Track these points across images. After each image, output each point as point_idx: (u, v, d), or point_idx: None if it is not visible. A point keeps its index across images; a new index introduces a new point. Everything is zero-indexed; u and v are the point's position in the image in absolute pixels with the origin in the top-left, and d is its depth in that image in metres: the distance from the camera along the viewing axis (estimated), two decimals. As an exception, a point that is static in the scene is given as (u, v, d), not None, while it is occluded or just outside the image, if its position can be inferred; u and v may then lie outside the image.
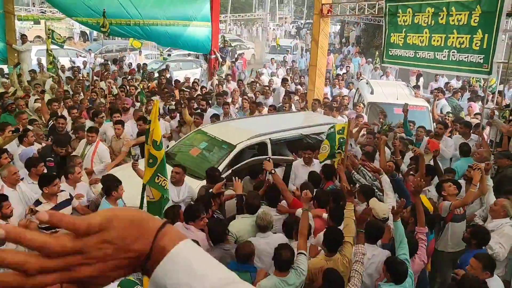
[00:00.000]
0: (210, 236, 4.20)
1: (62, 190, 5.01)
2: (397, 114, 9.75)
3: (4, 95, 9.35)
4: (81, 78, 12.69)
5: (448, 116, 9.18)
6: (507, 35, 7.63)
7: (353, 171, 5.77)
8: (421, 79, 15.03)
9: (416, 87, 12.30)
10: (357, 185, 5.53)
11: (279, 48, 18.25)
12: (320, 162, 6.20)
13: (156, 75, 14.52)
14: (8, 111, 8.58)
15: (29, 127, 7.43)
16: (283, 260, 3.69)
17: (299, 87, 12.67)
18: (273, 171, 5.42)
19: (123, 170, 6.55)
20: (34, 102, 9.43)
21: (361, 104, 10.11)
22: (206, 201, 4.75)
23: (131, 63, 17.90)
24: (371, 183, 5.55)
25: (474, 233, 4.49)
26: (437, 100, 10.31)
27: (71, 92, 10.54)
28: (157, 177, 4.12)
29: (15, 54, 12.74)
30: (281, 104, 10.81)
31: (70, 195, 5.12)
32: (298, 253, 3.82)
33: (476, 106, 10.55)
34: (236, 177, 5.64)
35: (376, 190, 5.29)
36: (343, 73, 15.99)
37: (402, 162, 6.41)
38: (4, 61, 12.74)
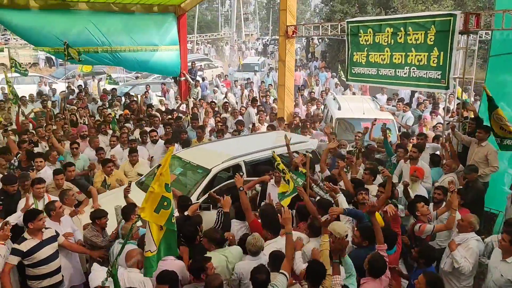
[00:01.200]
0: (190, 270, 4.21)
1: (48, 228, 5.01)
2: (365, 128, 10.17)
3: None
4: (49, 107, 12.55)
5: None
6: (462, 52, 8.08)
7: (313, 184, 5.98)
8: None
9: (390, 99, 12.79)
10: (316, 198, 5.78)
11: (243, 70, 18.68)
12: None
13: (123, 99, 14.50)
14: None
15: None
16: (258, 283, 3.85)
17: (274, 105, 12.92)
18: (241, 188, 5.61)
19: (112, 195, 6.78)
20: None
21: (330, 124, 10.33)
22: (187, 232, 4.85)
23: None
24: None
25: (422, 252, 4.64)
26: (404, 112, 10.78)
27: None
28: (173, 217, 4.14)
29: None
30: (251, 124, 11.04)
31: (56, 231, 5.10)
32: (280, 272, 3.96)
33: (429, 118, 11.08)
34: (224, 194, 5.78)
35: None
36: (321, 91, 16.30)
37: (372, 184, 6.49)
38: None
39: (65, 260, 5.23)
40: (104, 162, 7.54)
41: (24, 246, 4.75)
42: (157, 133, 9.26)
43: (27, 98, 12.99)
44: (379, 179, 6.71)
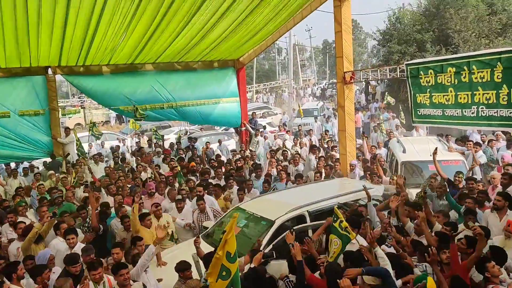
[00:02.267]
0: None
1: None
2: (432, 170, 9.70)
3: (52, 190, 9.86)
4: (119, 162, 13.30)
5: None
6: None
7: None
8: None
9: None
10: None
11: (302, 116, 18.73)
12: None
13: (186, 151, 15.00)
14: (55, 204, 9.03)
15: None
16: None
17: (333, 153, 12.80)
18: (291, 245, 5.34)
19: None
20: (83, 192, 9.91)
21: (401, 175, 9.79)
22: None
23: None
24: None
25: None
26: (475, 152, 10.19)
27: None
28: None
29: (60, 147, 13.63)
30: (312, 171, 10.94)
31: (144, 284, 5.48)
32: None
33: (509, 156, 10.33)
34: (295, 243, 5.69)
35: None
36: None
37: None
38: (49, 153, 13.60)
39: None
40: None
41: None
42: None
43: (98, 156, 13.89)
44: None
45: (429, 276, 4.40)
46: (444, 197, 7.67)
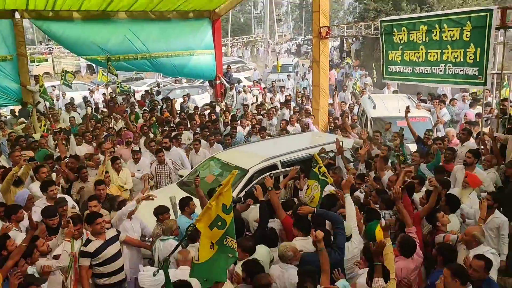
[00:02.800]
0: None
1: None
2: (400, 126, 10.13)
3: (20, 138, 9.73)
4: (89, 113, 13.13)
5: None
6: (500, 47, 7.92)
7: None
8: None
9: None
10: None
11: (279, 71, 18.62)
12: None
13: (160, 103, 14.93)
14: (32, 149, 9.00)
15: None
16: None
17: (308, 107, 13.04)
18: (270, 188, 5.63)
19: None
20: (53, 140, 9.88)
21: (366, 130, 10.14)
22: None
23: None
24: None
25: (441, 249, 4.60)
26: (440, 110, 10.66)
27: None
28: (225, 238, 3.98)
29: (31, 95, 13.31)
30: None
31: (117, 230, 5.51)
32: None
33: (472, 114, 10.85)
34: (256, 185, 5.95)
35: None
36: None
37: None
38: (19, 101, 13.30)
39: (129, 254, 5.71)
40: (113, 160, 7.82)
41: (90, 248, 5.10)
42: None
43: (70, 106, 13.69)
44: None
45: (378, 224, 4.80)
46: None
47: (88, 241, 5.16)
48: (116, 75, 13.21)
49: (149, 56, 14.44)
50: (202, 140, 9.45)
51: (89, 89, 20.22)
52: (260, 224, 5.48)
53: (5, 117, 13.70)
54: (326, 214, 5.06)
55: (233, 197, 5.83)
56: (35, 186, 6.80)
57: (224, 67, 16.71)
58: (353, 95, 16.05)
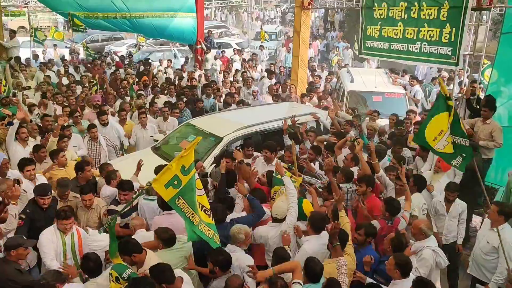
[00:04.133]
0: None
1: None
2: (376, 102, 10.35)
3: None
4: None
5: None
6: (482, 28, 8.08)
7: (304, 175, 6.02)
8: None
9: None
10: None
11: (263, 41, 18.31)
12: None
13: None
14: (2, 104, 8.88)
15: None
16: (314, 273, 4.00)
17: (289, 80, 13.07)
18: (241, 162, 5.82)
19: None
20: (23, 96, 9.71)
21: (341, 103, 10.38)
22: None
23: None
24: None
25: (361, 227, 4.75)
26: (412, 86, 10.90)
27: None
28: (178, 198, 4.13)
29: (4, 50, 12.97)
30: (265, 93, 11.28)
31: None
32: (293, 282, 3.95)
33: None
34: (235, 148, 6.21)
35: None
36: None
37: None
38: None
39: None
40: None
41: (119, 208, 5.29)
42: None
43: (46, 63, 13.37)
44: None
45: (305, 199, 5.16)
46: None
47: (116, 203, 5.54)
48: (83, 30, 12.84)
49: (129, 16, 14.14)
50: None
51: (66, 47, 19.64)
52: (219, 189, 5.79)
53: None
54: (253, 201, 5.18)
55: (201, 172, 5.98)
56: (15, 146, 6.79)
57: (206, 31, 16.48)
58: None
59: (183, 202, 4.12)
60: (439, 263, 4.68)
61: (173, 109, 9.17)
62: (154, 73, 13.14)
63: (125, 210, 4.63)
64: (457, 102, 8.08)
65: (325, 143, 7.32)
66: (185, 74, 13.55)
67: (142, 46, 20.68)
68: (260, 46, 19.04)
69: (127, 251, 4.16)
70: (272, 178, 5.63)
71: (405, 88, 11.29)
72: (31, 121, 7.80)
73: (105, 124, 8.04)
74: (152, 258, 4.19)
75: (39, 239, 4.70)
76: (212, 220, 4.36)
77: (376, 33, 9.15)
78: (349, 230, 4.56)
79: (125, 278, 3.71)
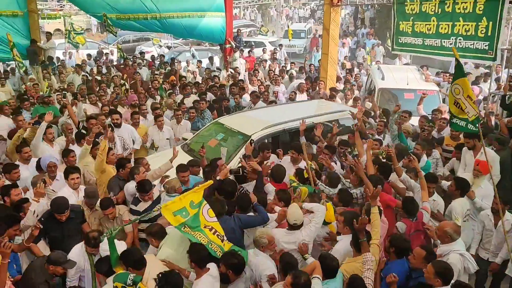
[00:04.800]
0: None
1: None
2: (407, 99, 10.08)
3: (24, 95, 9.86)
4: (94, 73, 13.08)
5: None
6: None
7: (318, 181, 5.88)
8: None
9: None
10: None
11: (291, 39, 18.11)
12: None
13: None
14: (44, 103, 9.24)
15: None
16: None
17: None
18: (248, 155, 5.91)
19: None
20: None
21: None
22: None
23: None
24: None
25: (393, 240, 4.40)
26: (447, 82, 10.55)
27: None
28: (184, 226, 4.32)
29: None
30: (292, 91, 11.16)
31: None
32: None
33: (478, 89, 10.69)
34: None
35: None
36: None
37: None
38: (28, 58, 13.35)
39: None
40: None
41: (140, 207, 5.45)
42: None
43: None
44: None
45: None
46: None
47: (137, 201, 5.54)
48: (115, 33, 13.09)
49: (159, 16, 14.32)
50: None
51: (98, 48, 20.16)
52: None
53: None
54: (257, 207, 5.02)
55: (231, 168, 6.01)
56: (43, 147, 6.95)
57: (235, 30, 16.51)
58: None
59: (189, 229, 4.34)
60: (467, 268, 4.39)
61: (191, 108, 9.13)
62: (182, 73, 13.31)
63: (144, 217, 4.81)
64: (494, 98, 7.80)
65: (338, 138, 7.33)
66: (216, 73, 13.68)
67: (161, 46, 20.98)
68: (279, 45, 18.95)
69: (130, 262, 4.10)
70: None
71: (439, 85, 10.96)
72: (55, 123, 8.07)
73: (118, 125, 7.72)
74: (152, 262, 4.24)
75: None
76: (223, 245, 4.42)
77: (408, 28, 8.93)
78: (379, 228, 4.46)
79: (131, 284, 3.74)
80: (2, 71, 13.51)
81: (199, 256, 4.05)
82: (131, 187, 5.84)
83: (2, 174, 5.99)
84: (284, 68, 14.52)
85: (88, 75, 12.75)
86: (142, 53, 18.09)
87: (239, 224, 4.73)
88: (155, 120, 8.32)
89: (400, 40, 9.33)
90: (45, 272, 4.29)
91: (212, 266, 4.10)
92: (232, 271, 4.04)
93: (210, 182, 4.73)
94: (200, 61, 16.13)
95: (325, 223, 4.86)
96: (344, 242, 4.58)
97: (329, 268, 3.96)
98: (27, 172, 6.22)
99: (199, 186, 4.55)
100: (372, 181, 5.10)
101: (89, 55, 16.90)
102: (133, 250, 4.29)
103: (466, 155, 6.48)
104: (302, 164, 6.25)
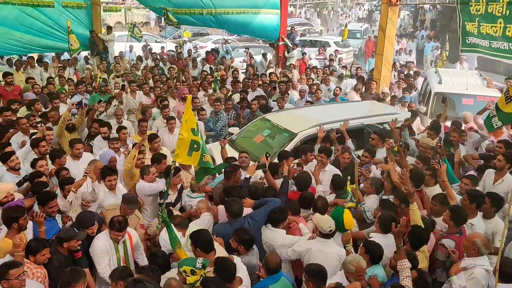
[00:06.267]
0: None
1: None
2: (466, 105, 9.53)
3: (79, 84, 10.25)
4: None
5: None
6: None
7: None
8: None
9: None
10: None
11: (345, 39, 17.68)
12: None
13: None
14: (101, 92, 9.64)
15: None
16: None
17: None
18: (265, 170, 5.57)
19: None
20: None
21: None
22: None
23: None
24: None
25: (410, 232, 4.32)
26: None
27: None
28: (203, 156, 4.59)
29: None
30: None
31: None
32: None
33: None
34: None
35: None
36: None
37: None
38: (89, 47, 13.94)
39: None
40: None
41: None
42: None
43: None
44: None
45: (346, 209, 4.71)
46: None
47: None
48: (177, 26, 13.34)
49: (214, 11, 14.47)
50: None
51: (156, 41, 20.70)
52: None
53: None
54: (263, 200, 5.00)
55: (259, 163, 5.81)
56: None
57: (288, 28, 16.38)
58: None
59: (207, 155, 4.60)
60: (492, 286, 4.04)
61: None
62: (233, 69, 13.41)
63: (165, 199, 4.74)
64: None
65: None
66: (270, 70, 13.66)
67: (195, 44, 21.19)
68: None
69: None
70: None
71: (501, 91, 10.26)
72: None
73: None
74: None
75: (92, 244, 4.48)
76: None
77: (474, 29, 8.40)
78: (421, 223, 4.42)
79: (200, 267, 3.65)
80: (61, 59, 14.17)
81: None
82: (146, 187, 5.54)
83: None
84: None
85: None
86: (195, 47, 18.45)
87: (253, 223, 4.69)
88: (167, 122, 7.94)
89: (468, 40, 8.79)
90: (57, 254, 4.20)
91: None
92: (243, 246, 4.30)
93: (190, 97, 5.09)
94: (252, 57, 16.16)
95: (343, 230, 4.57)
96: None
97: (375, 256, 4.13)
98: (77, 169, 5.91)
99: (185, 110, 4.64)
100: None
101: (144, 47, 17.52)
102: (203, 232, 4.17)
103: (487, 178, 5.92)
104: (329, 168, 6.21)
